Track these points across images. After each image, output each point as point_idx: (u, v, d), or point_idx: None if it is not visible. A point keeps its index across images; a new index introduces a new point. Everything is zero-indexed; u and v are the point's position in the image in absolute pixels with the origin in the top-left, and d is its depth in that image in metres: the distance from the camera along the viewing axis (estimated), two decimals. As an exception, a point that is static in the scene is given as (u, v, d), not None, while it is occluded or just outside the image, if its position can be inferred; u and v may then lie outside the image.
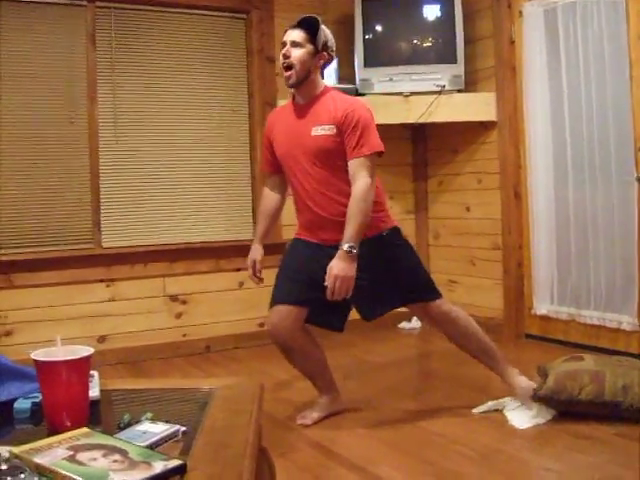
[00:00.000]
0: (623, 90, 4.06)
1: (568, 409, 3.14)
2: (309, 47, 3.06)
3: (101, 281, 4.56)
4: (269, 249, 5.04)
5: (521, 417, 3.18)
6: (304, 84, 3.10)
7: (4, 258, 4.29)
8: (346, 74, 5.14)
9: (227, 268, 4.94)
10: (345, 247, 2.94)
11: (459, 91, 4.98)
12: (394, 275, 3.19)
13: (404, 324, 5.37)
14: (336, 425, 3.25)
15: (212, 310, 4.89)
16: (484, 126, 5.02)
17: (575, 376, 3.15)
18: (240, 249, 4.92)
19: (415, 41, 5.12)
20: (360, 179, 2.99)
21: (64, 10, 4.51)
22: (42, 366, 1.63)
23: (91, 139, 4.59)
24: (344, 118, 3.01)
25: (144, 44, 4.76)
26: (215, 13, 4.97)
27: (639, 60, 3.98)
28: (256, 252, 3.41)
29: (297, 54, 3.05)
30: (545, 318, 4.68)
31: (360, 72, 4.98)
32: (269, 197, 3.41)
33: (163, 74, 4.82)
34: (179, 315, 4.80)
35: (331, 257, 2.99)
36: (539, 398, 3.17)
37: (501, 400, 3.36)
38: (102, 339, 4.53)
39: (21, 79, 4.41)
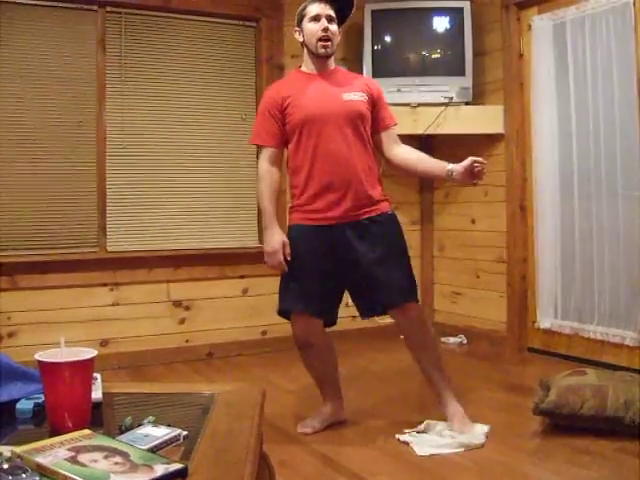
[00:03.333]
0: (631, 105, 4.06)
1: (570, 423, 3.13)
2: (337, 23, 3.22)
3: (105, 285, 4.57)
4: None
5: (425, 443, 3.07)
6: (330, 57, 3.25)
7: (9, 260, 4.31)
8: (354, 84, 5.16)
9: (231, 275, 4.95)
10: (448, 171, 3.12)
11: (467, 103, 4.99)
12: (396, 261, 3.20)
13: None
14: (338, 435, 3.24)
15: (215, 316, 4.89)
16: (491, 139, 5.03)
17: (577, 390, 3.14)
18: (245, 256, 4.95)
19: (424, 53, 5.14)
20: (402, 145, 3.33)
21: (74, 15, 4.54)
22: (46, 367, 1.64)
23: (99, 143, 4.61)
24: (377, 93, 3.28)
25: (154, 50, 4.78)
26: (225, 21, 4.99)
27: (647, 75, 4.00)
28: (282, 234, 3.21)
29: (334, 29, 3.19)
30: (548, 332, 4.67)
31: (368, 82, 5.00)
32: (273, 174, 3.24)
33: (172, 80, 4.84)
34: (182, 321, 4.80)
35: (340, 235, 3.14)
36: (541, 412, 3.16)
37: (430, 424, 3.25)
38: (105, 343, 4.53)
39: (30, 82, 4.43)
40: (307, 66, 3.28)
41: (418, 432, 3.17)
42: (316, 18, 3.16)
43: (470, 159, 3.06)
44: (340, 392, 3.43)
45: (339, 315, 5.15)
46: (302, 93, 3.19)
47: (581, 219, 4.41)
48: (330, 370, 3.40)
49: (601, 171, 4.26)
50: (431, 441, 3.07)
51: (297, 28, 3.27)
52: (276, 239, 3.18)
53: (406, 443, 3.07)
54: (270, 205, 3.24)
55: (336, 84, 3.21)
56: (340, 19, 3.24)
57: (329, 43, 3.17)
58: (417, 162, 3.28)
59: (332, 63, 3.29)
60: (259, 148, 3.34)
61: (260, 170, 3.27)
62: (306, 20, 3.20)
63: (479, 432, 3.14)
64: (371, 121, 3.24)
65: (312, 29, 3.18)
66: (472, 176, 3.08)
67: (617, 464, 2.81)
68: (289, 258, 3.18)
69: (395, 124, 3.33)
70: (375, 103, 3.25)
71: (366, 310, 3.28)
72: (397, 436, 3.14)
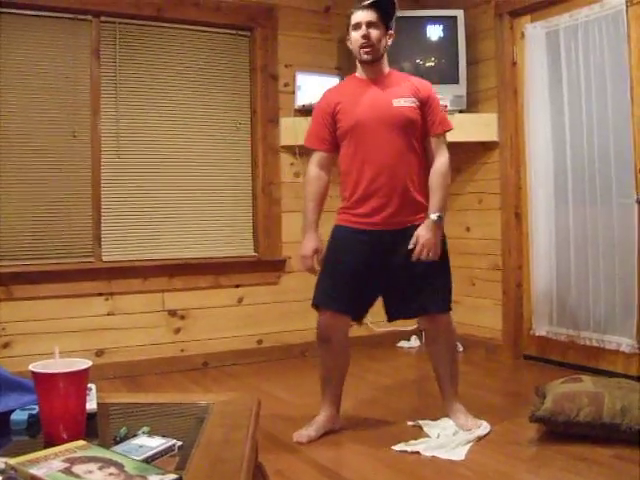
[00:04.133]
0: (624, 112, 4.08)
1: (566, 430, 3.12)
2: (382, 27, 3.24)
3: (100, 295, 4.56)
4: (269, 266, 5.05)
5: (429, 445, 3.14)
6: (379, 61, 3.29)
7: (4, 270, 4.29)
8: (349, 92, 5.17)
9: (226, 284, 4.94)
10: (434, 217, 3.18)
11: (461, 111, 4.99)
12: (436, 272, 3.27)
13: (403, 343, 5.36)
14: (333, 443, 3.23)
15: (211, 326, 4.88)
16: (485, 146, 5.04)
17: (573, 397, 3.14)
18: (240, 265, 4.95)
19: (418, 61, 5.14)
20: (443, 154, 3.28)
21: (69, 24, 4.54)
22: (40, 378, 1.63)
23: (93, 153, 4.60)
24: (428, 96, 3.28)
25: (148, 59, 4.78)
26: (219, 30, 5.00)
27: (640, 82, 4.01)
28: (316, 241, 3.34)
29: (375, 34, 3.21)
30: (544, 339, 4.67)
31: (363, 91, 5.00)
32: (321, 178, 3.36)
33: (166, 89, 4.84)
34: (178, 330, 4.79)
35: (382, 241, 3.21)
36: (537, 419, 3.16)
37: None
38: (100, 353, 4.52)
39: (25, 92, 4.43)
40: (359, 72, 3.36)
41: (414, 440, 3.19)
42: (357, 26, 3.23)
43: (414, 239, 3.19)
44: (339, 401, 3.43)
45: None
46: (352, 100, 3.27)
47: (576, 226, 4.42)
48: (338, 372, 3.42)
49: (595, 178, 4.27)
50: (433, 442, 3.14)
51: (348, 37, 3.33)
52: (309, 246, 3.32)
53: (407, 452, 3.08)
54: (312, 211, 3.35)
55: (387, 90, 3.26)
56: (387, 21, 3.27)
57: (370, 49, 3.22)
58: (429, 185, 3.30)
59: (385, 67, 3.34)
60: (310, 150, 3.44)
61: (309, 174, 3.39)
62: (350, 29, 3.28)
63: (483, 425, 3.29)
64: (423, 124, 3.29)
65: (354, 37, 3.25)
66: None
67: (614, 471, 2.81)
68: (317, 266, 3.34)
69: (445, 130, 3.31)
70: (424, 107, 3.26)
71: (394, 314, 3.39)
72: (393, 447, 3.13)
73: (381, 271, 3.26)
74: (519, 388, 4.23)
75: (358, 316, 3.39)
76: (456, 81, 4.97)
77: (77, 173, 4.57)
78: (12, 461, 1.40)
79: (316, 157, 3.37)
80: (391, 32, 3.29)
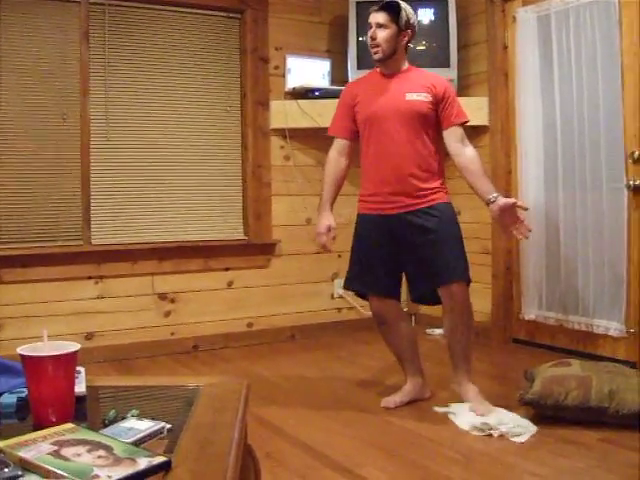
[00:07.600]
0: (615, 96, 4.08)
1: (554, 414, 3.15)
2: (393, 27, 3.36)
3: (90, 278, 4.55)
4: (258, 249, 5.06)
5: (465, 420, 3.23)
6: (391, 59, 3.41)
7: (-7, 253, 4.28)
8: (339, 76, 5.15)
9: (216, 267, 4.94)
10: (491, 197, 3.25)
11: (452, 95, 4.98)
12: (446, 244, 3.37)
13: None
14: (323, 426, 3.25)
15: (201, 309, 4.88)
16: (476, 131, 5.02)
17: (562, 381, 3.16)
18: (230, 248, 4.95)
19: (409, 44, 5.12)
20: (468, 145, 3.41)
21: (57, 6, 4.50)
22: (28, 361, 1.63)
23: (83, 136, 4.58)
24: (443, 92, 3.39)
25: (137, 42, 4.75)
26: (209, 12, 4.97)
27: (631, 66, 4.01)
28: (330, 218, 3.52)
29: (382, 35, 3.36)
30: (533, 323, 4.69)
31: (353, 74, 4.97)
32: (339, 162, 3.56)
33: (156, 72, 4.81)
34: (167, 313, 4.79)
35: (395, 224, 3.37)
36: (525, 403, 3.18)
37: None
38: (90, 336, 4.51)
39: (13, 75, 4.39)
40: (383, 69, 3.49)
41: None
42: (369, 27, 3.39)
43: (512, 201, 3.25)
44: (421, 369, 3.60)
45: (326, 307, 5.20)
46: (370, 93, 3.45)
47: (565, 210, 4.43)
48: (406, 346, 3.59)
49: (585, 163, 4.27)
50: (470, 417, 3.22)
51: None
52: (322, 223, 3.52)
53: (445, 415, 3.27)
54: (326, 191, 3.56)
55: (402, 85, 3.40)
56: (400, 22, 3.37)
57: (377, 49, 3.38)
58: (465, 174, 3.41)
59: (402, 64, 3.47)
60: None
61: (328, 158, 3.60)
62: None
63: (515, 419, 3.19)
64: (439, 119, 3.41)
65: (368, 37, 3.41)
66: (510, 221, 3.26)
67: (602, 454, 2.83)
68: (329, 244, 3.52)
69: (462, 122, 3.42)
70: (439, 102, 3.37)
71: (416, 296, 3.60)
72: (435, 408, 3.39)
73: (400, 251, 3.42)
74: (508, 372, 4.24)
75: (397, 293, 3.55)
76: (447, 65, 4.96)
77: (66, 156, 4.55)
78: (1, 444, 1.40)
79: (336, 144, 3.58)
80: (408, 32, 3.39)
